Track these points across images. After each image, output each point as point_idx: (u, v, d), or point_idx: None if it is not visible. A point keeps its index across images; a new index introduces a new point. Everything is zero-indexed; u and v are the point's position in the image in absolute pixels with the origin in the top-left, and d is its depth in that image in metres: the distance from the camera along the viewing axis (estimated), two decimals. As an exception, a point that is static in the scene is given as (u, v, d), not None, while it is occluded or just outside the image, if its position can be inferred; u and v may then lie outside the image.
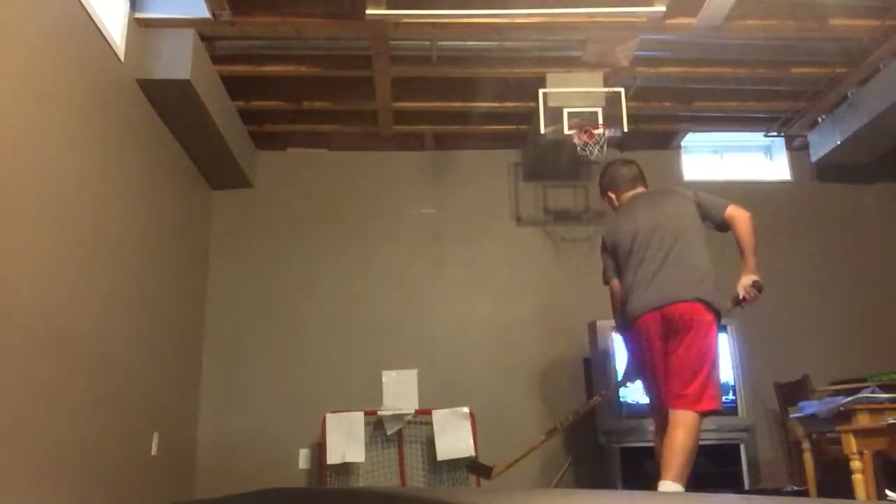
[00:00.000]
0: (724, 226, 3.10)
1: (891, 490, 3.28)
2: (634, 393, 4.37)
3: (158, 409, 4.11)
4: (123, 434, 3.63)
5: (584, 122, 4.32)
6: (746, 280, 3.02)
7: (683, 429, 2.79)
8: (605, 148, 4.40)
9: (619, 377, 3.63)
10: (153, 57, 3.81)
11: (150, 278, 4.02)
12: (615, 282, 3.25)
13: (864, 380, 3.57)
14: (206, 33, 3.96)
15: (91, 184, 3.30)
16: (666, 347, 2.96)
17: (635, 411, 4.26)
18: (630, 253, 3.12)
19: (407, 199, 5.32)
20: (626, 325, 3.15)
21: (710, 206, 3.13)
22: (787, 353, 4.81)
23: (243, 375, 4.90)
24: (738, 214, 3.05)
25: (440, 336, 5.03)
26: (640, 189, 3.38)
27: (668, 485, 2.71)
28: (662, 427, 2.94)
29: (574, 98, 4.37)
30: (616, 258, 3.23)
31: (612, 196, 3.41)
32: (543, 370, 4.95)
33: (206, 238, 5.11)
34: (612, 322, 4.41)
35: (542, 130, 4.39)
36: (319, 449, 4.53)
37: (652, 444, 4.16)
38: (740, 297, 3.04)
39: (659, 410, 3.05)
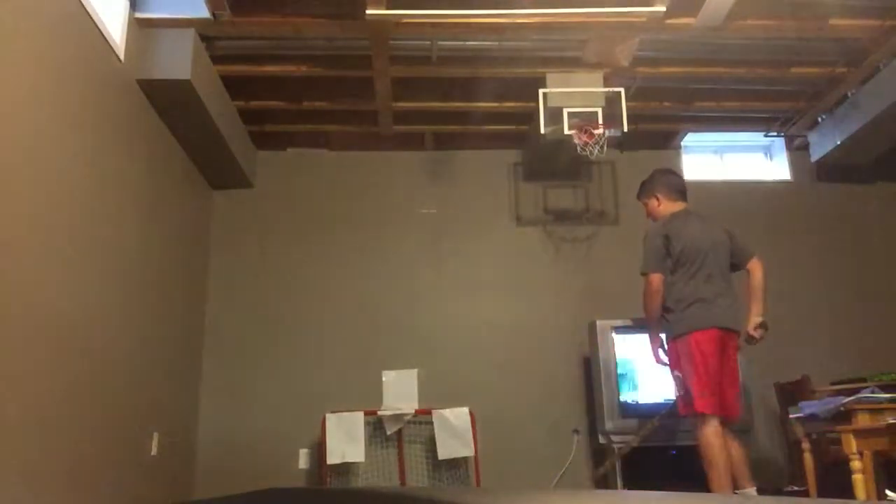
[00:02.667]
0: (741, 267, 3.47)
1: (891, 490, 3.28)
2: (634, 393, 4.38)
3: (158, 409, 4.12)
4: (123, 434, 3.63)
5: (584, 122, 4.32)
6: (758, 320, 3.39)
7: (737, 439, 3.24)
8: (605, 148, 4.40)
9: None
10: (153, 57, 3.81)
11: (150, 278, 4.02)
12: (661, 276, 3.38)
13: (864, 380, 3.57)
14: (206, 33, 3.96)
15: (90, 184, 3.30)
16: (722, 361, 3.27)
17: (635, 411, 4.26)
18: (700, 265, 3.32)
19: (407, 199, 5.32)
20: (696, 329, 3.27)
21: (742, 247, 3.49)
22: (787, 353, 4.81)
23: (243, 375, 4.90)
24: (761, 264, 3.46)
25: (440, 336, 5.02)
26: (686, 204, 3.56)
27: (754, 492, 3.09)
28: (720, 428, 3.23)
29: (574, 98, 4.37)
30: (673, 260, 3.36)
31: (660, 198, 3.57)
32: (543, 370, 4.95)
33: (206, 238, 5.12)
34: (611, 322, 4.43)
35: (542, 130, 4.39)
36: (319, 449, 4.52)
37: (651, 445, 4.16)
38: (752, 335, 3.40)
39: (718, 414, 3.23)
